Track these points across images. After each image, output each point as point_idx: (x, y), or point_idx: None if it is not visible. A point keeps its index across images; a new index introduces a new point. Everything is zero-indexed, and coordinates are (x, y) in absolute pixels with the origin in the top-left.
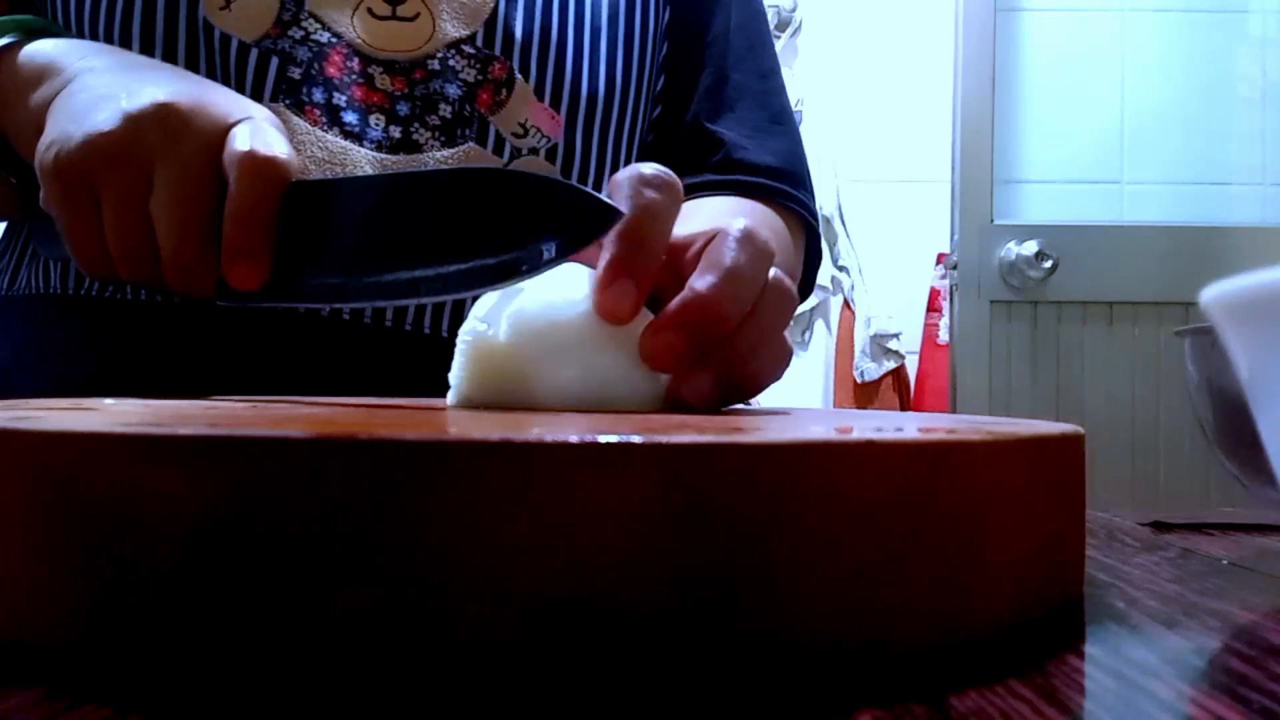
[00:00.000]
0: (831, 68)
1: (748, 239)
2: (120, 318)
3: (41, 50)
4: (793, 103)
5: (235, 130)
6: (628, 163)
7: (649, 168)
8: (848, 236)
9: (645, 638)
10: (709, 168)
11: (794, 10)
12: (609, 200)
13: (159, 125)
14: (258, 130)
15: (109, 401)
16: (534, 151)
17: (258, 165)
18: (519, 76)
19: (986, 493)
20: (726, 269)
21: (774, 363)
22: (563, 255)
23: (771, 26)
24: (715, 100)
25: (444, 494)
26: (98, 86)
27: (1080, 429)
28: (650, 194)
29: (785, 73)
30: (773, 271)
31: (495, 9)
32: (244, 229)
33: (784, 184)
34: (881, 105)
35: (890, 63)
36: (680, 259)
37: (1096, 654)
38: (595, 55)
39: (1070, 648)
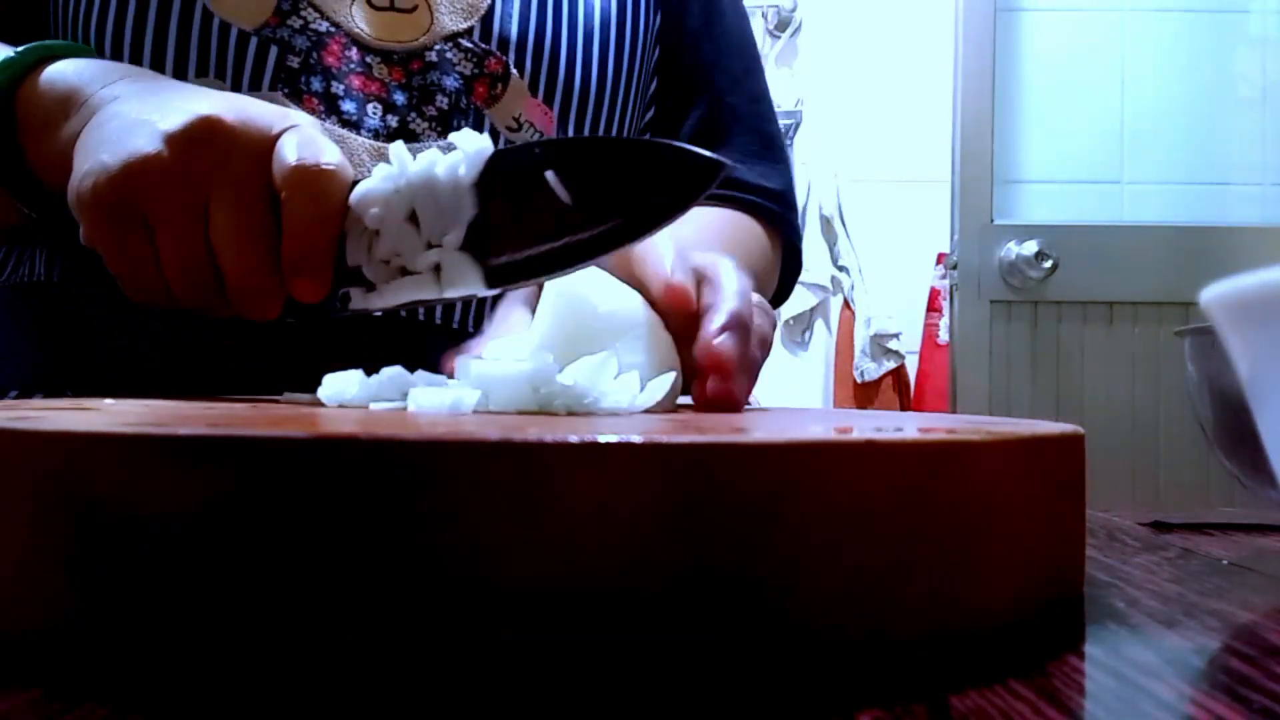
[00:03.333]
0: (831, 68)
1: (743, 274)
2: (119, 307)
3: (62, 75)
4: (793, 103)
5: (282, 141)
6: None
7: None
8: (848, 236)
9: (645, 637)
10: None
11: (794, 10)
12: (710, 155)
13: (205, 143)
14: (306, 140)
15: (109, 401)
16: None
17: (313, 178)
18: (514, 72)
19: (986, 493)
20: (740, 286)
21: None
22: (678, 210)
23: (771, 26)
24: (711, 126)
25: (444, 494)
26: (127, 112)
27: (1080, 429)
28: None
29: (785, 73)
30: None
31: (492, 5)
32: (306, 246)
33: (773, 204)
34: (881, 105)
35: (890, 63)
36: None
37: (1096, 654)
38: (588, 54)
39: (1070, 648)
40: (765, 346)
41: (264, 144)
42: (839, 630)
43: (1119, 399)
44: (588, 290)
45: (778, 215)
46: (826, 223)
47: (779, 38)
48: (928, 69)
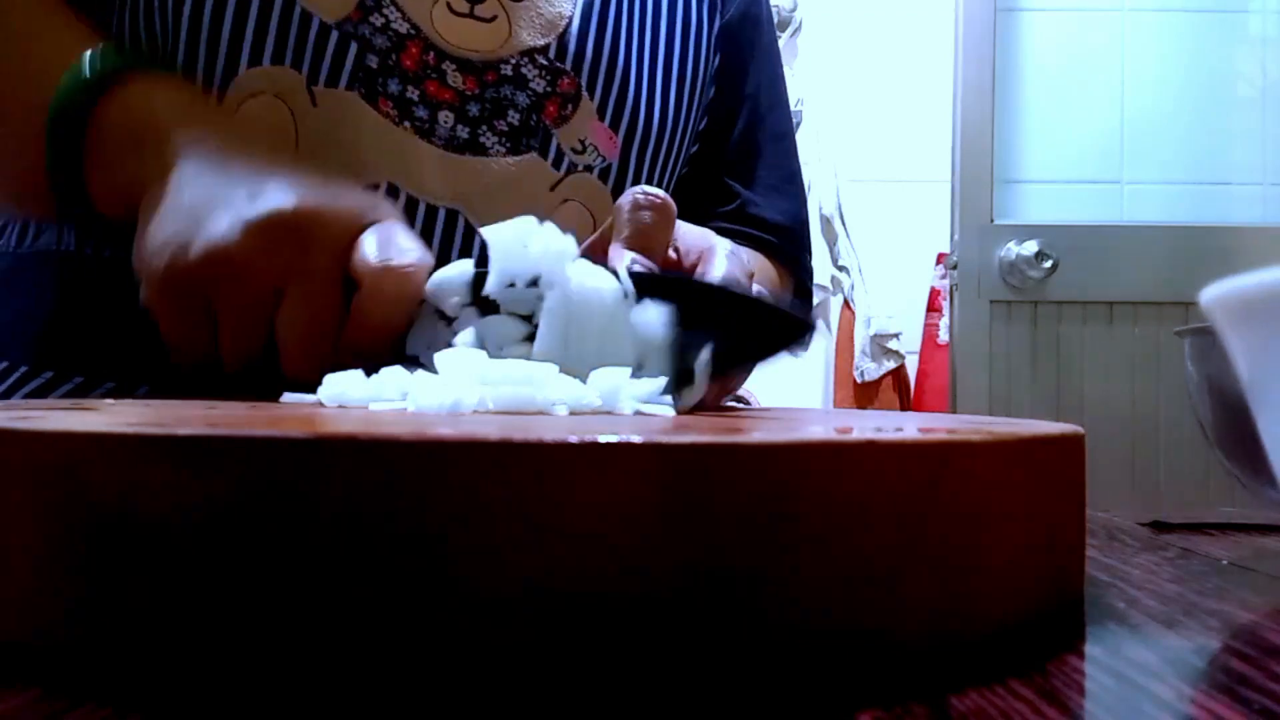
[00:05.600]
0: (831, 68)
1: (734, 255)
2: (125, 279)
3: (143, 105)
4: (793, 103)
5: (366, 235)
6: (670, 187)
7: (642, 192)
8: (848, 236)
9: (645, 638)
10: (720, 216)
11: (794, 10)
12: (801, 315)
13: (288, 236)
14: (389, 237)
15: (109, 401)
16: (589, 169)
17: (392, 280)
18: (585, 94)
19: (986, 493)
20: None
21: (743, 377)
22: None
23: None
24: (736, 156)
25: (444, 494)
26: (211, 185)
27: (1080, 429)
28: (644, 215)
29: (785, 73)
30: (755, 288)
31: (569, 25)
32: (373, 340)
33: (786, 242)
34: (881, 105)
35: (890, 63)
36: (676, 269)
37: (1096, 654)
38: (653, 85)
39: (1070, 648)
40: None
41: (348, 236)
42: (839, 630)
43: (1119, 399)
44: (593, 286)
45: (790, 255)
46: (826, 223)
47: (779, 38)
48: (928, 69)
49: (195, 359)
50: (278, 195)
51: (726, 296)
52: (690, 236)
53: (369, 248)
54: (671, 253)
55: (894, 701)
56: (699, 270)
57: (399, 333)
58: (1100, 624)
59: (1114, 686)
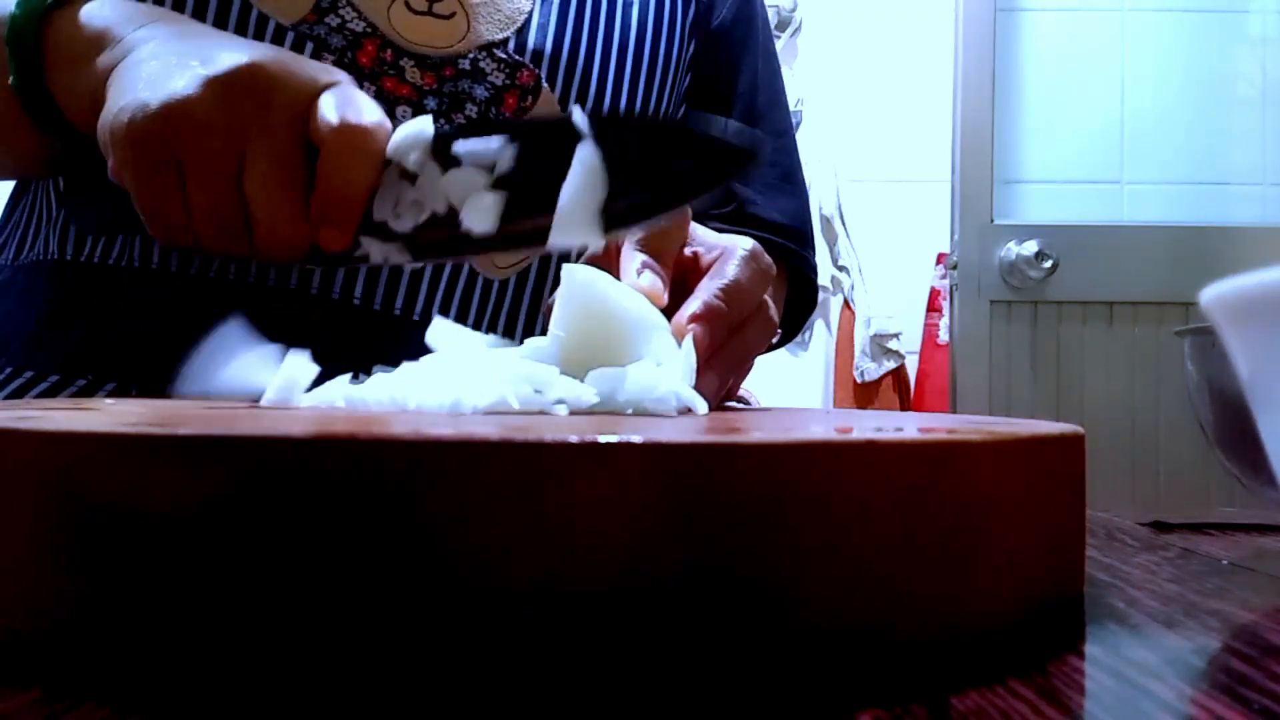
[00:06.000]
0: (831, 68)
1: (752, 258)
2: (119, 284)
3: (97, 13)
4: (793, 103)
5: (324, 97)
6: None
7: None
8: (848, 236)
9: (645, 638)
10: (718, 217)
11: (794, 10)
12: (741, 142)
13: (247, 91)
14: (347, 97)
15: (109, 401)
16: None
17: (353, 136)
18: (545, 86)
19: (986, 493)
20: (730, 282)
21: (742, 377)
22: (711, 188)
23: (771, 26)
24: None
25: (444, 494)
26: (166, 53)
27: (1080, 429)
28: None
29: (785, 73)
30: (766, 298)
31: (529, 18)
32: (340, 199)
33: (789, 240)
34: (881, 105)
35: (890, 63)
36: (694, 269)
37: (1096, 654)
38: (619, 75)
39: (1070, 648)
40: (758, 337)
41: (306, 96)
42: (839, 630)
43: (1119, 399)
44: (605, 290)
45: (791, 251)
46: (826, 223)
47: (779, 38)
48: (928, 69)
49: (173, 232)
50: (236, 54)
51: (674, 129)
52: (710, 237)
53: (328, 108)
54: (689, 252)
55: (894, 701)
56: (712, 270)
57: (365, 194)
58: (1100, 624)
59: (1114, 686)
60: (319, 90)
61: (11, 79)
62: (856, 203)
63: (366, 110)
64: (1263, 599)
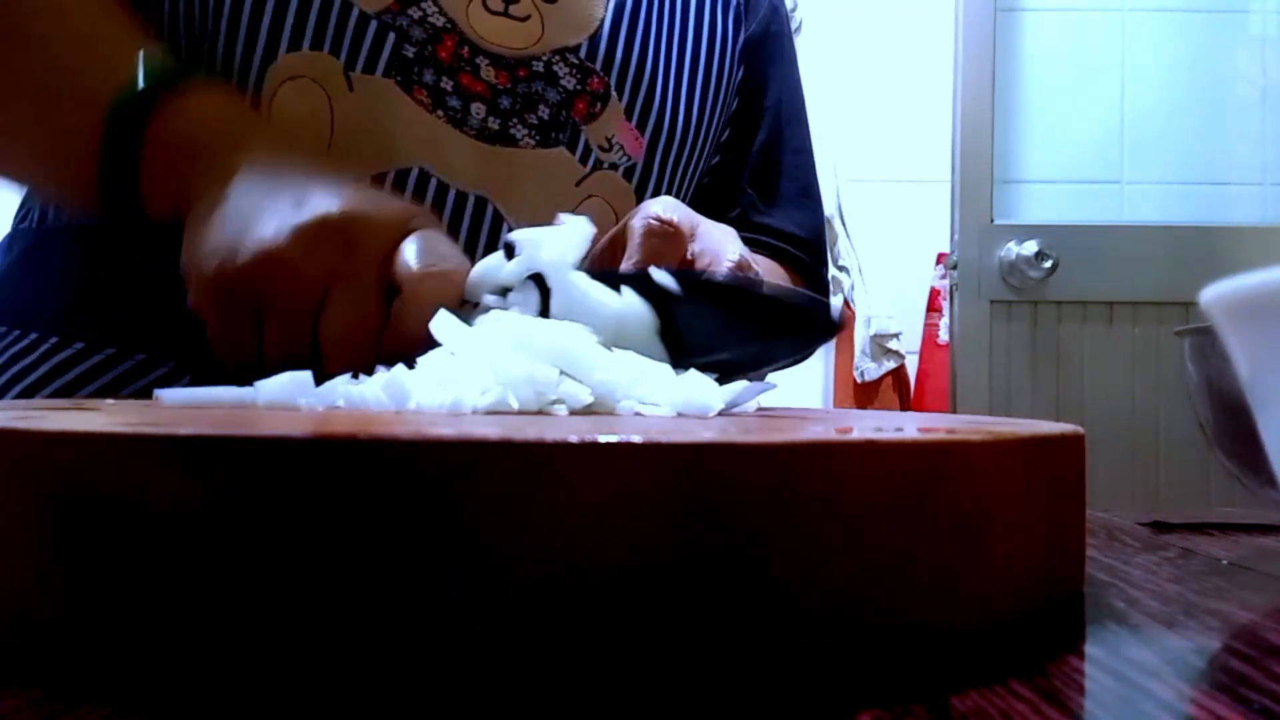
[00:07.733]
0: (831, 68)
1: (741, 269)
2: (146, 249)
3: (191, 118)
4: None
5: (407, 243)
6: (689, 194)
7: (655, 213)
8: (848, 236)
9: (645, 638)
10: (737, 225)
11: (794, 10)
12: (833, 315)
13: (333, 239)
14: (430, 243)
15: (109, 402)
16: (614, 167)
17: (434, 283)
18: (614, 94)
19: (986, 493)
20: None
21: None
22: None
23: None
24: (757, 169)
25: (444, 494)
26: (259, 195)
27: (1080, 429)
28: (655, 241)
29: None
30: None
31: (601, 26)
32: (413, 342)
33: (804, 253)
34: (881, 105)
35: (890, 63)
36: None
37: (1096, 654)
38: (679, 91)
39: (1070, 648)
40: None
41: (390, 240)
42: (838, 630)
43: (1119, 399)
44: (592, 292)
45: (807, 266)
46: (827, 223)
47: None
48: (928, 69)
49: (240, 359)
50: (324, 201)
51: (763, 296)
52: (709, 238)
53: (410, 254)
54: (688, 255)
55: (894, 701)
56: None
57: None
58: (1100, 624)
59: (1114, 686)
60: (403, 233)
61: (100, 163)
62: (856, 203)
63: (448, 257)
64: (1263, 599)
